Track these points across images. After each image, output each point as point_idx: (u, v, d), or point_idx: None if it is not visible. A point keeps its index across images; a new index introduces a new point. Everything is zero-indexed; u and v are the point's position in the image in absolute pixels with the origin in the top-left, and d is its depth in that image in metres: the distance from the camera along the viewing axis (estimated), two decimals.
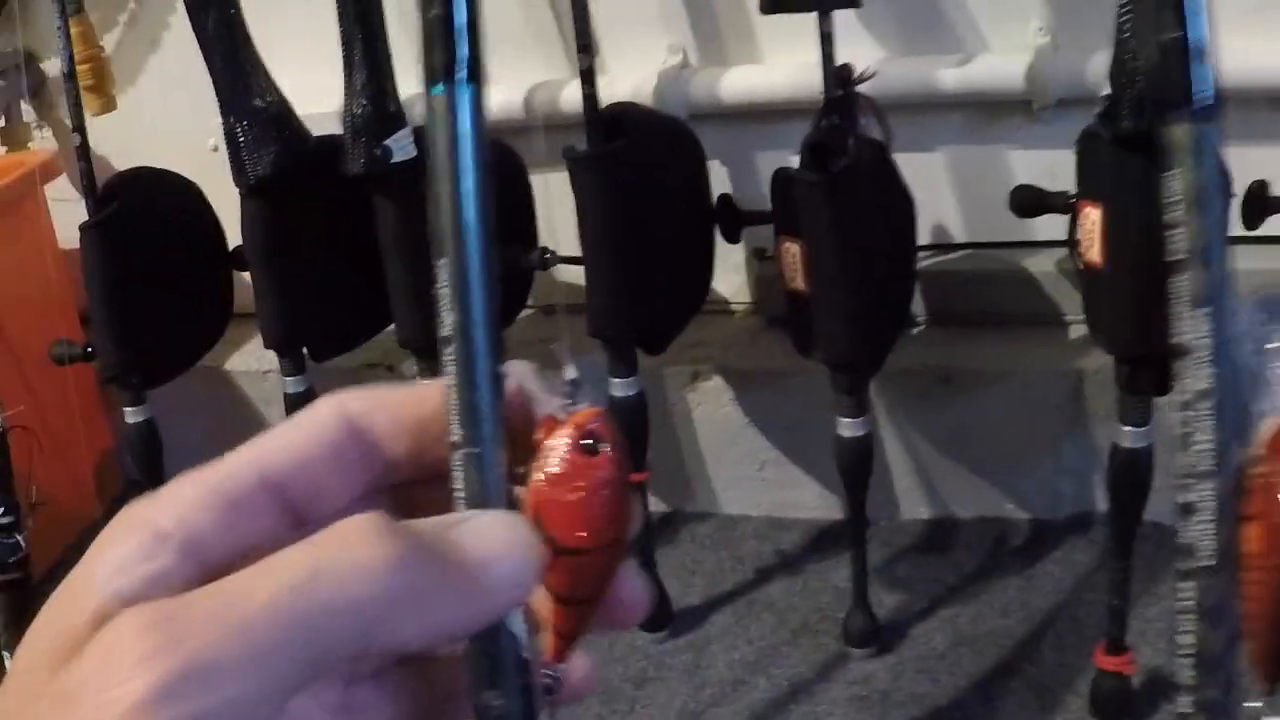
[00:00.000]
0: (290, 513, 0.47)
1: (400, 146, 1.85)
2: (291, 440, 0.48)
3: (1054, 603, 2.14)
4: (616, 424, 0.49)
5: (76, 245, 2.08)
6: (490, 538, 0.43)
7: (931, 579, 2.23)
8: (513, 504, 0.48)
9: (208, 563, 0.42)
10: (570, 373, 0.50)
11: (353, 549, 0.39)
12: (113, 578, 0.40)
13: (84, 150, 2.02)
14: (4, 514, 1.81)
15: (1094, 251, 1.68)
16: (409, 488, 0.52)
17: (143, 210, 2.09)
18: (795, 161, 1.88)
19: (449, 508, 0.48)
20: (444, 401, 0.48)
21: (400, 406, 0.50)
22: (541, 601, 0.50)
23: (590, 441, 0.48)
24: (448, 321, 0.47)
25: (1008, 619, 2.12)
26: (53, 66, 2.51)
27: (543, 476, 0.48)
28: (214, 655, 0.36)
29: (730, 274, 2.43)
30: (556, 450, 0.48)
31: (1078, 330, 2.25)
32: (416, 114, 1.99)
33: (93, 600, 0.39)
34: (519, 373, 0.50)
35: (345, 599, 0.38)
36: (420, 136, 1.87)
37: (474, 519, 0.44)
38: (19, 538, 1.81)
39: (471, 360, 0.48)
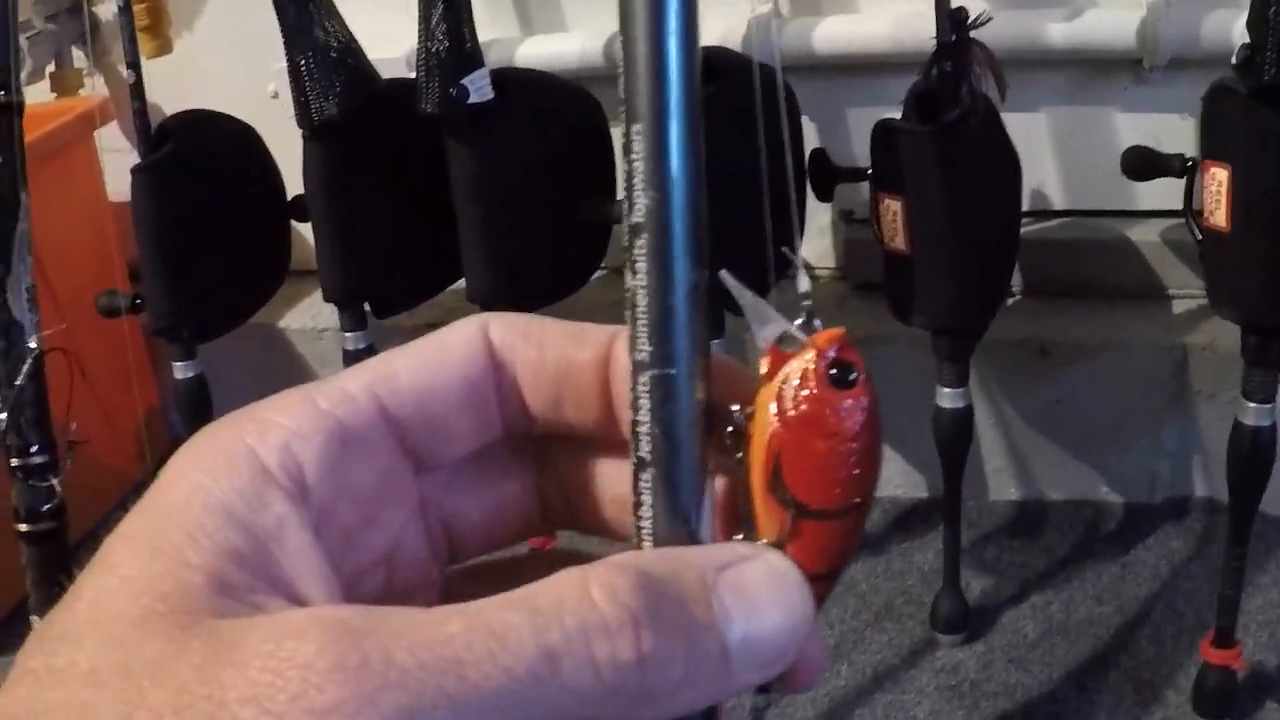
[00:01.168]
0: (409, 455, 0.40)
1: (477, 87, 1.75)
2: (422, 367, 0.40)
3: (1150, 591, 2.04)
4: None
5: (127, 198, 1.98)
6: (757, 604, 0.36)
7: (1021, 563, 2.13)
8: (707, 445, 0.38)
9: (312, 505, 0.38)
10: (804, 283, 0.39)
11: (596, 633, 0.34)
12: (219, 524, 0.35)
13: (138, 89, 1.93)
14: (38, 452, 1.61)
15: (1219, 215, 1.58)
16: (546, 443, 0.43)
17: (198, 154, 1.99)
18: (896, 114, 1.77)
19: (588, 472, 0.42)
20: (605, 348, 0.40)
21: (552, 344, 0.41)
22: None
23: (841, 370, 0.37)
24: (640, 204, 0.37)
25: (1103, 607, 2.02)
26: (106, 10, 2.42)
27: (780, 417, 0.37)
28: None
29: (816, 237, 2.32)
30: (799, 383, 0.37)
31: (1182, 304, 2.15)
32: (493, 57, 1.90)
33: (198, 550, 0.35)
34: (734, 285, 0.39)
35: (577, 693, 0.33)
36: (497, 79, 1.77)
37: (738, 570, 0.37)
38: (54, 481, 1.64)
39: (668, 254, 0.37)
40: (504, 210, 1.81)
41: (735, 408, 0.39)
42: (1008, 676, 1.91)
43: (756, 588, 0.37)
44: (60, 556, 1.64)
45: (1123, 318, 2.14)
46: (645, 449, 0.38)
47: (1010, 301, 2.22)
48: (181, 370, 2.05)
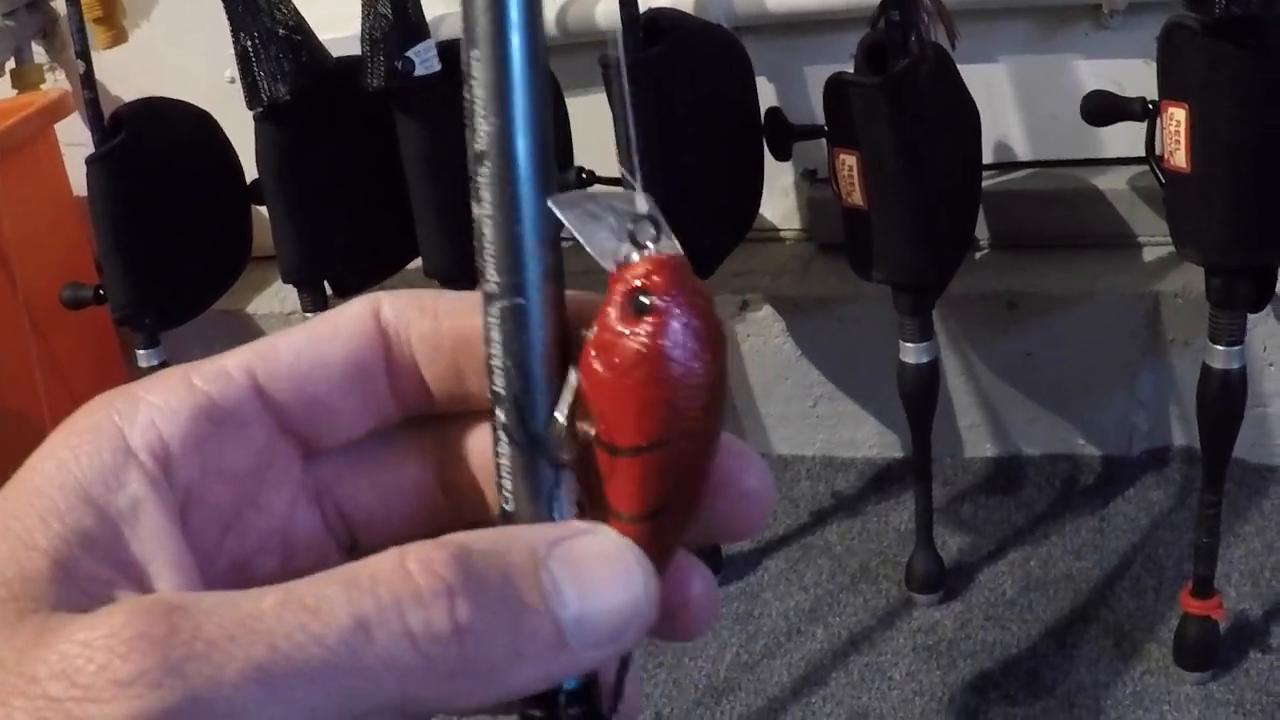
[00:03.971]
0: (291, 436, 0.39)
1: (423, 60, 1.73)
2: (304, 346, 0.39)
3: (1130, 544, 2.02)
4: (690, 271, 0.35)
5: None
6: (590, 580, 0.35)
7: (998, 520, 2.11)
8: (561, 380, 0.36)
9: (178, 484, 0.37)
10: (640, 204, 0.36)
11: (409, 603, 0.33)
12: (73, 505, 0.35)
13: (89, 78, 1.91)
14: None
15: (1179, 156, 1.56)
16: (445, 424, 0.41)
17: (153, 141, 1.97)
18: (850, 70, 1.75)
19: (490, 460, 0.38)
20: None
21: (448, 314, 0.39)
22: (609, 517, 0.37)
23: (640, 299, 0.34)
24: (481, 131, 0.35)
25: (1081, 562, 2.00)
26: (62, 6, 2.41)
27: (583, 346, 0.35)
28: (224, 696, 0.31)
29: (779, 198, 2.30)
30: (606, 313, 0.35)
31: (1152, 252, 2.13)
32: (442, 31, 1.88)
33: (47, 534, 0.34)
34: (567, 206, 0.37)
35: (395, 665, 0.32)
36: (445, 52, 1.75)
37: (569, 547, 0.35)
38: None
39: (513, 181, 0.36)
40: (455, 183, 1.79)
41: (586, 334, 0.37)
42: (986, 635, 1.90)
43: (591, 561, 0.35)
44: None
45: (1092, 268, 2.12)
46: (499, 384, 0.37)
47: (977, 255, 2.20)
48: (146, 358, 2.04)
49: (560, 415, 0.37)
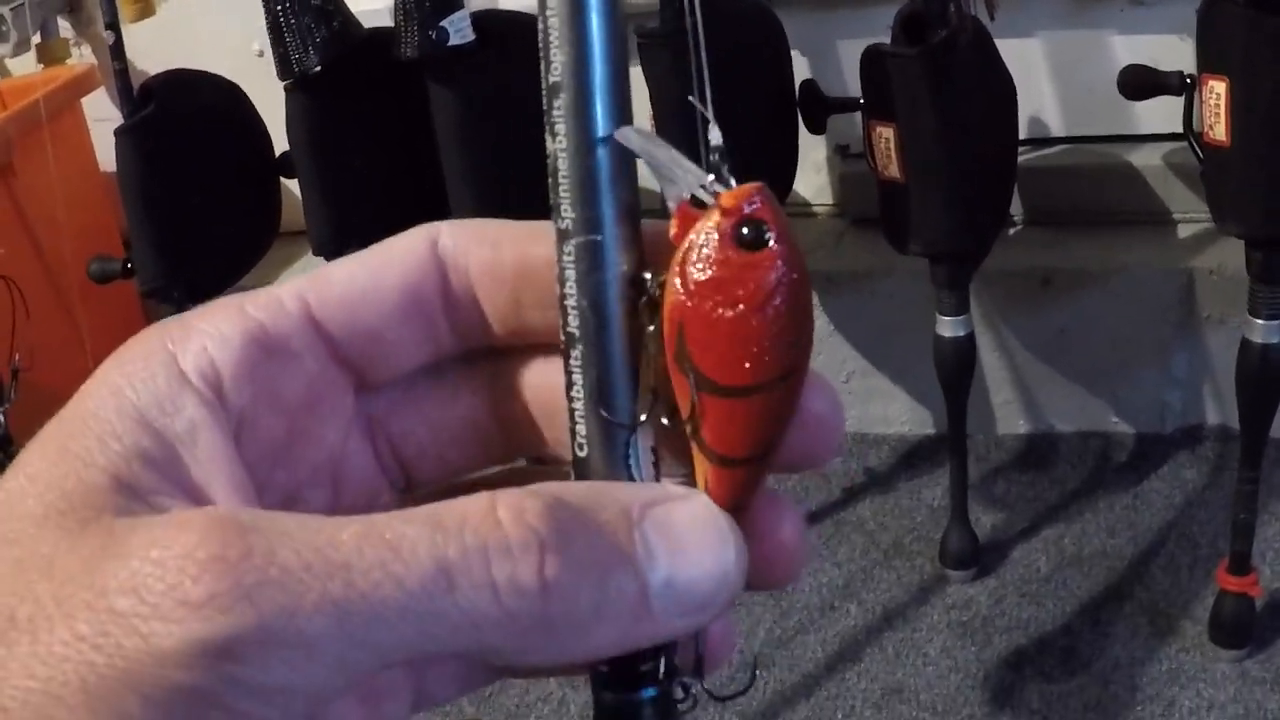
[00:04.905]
0: (344, 367, 0.37)
1: (457, 29, 1.72)
2: (359, 275, 0.37)
3: (1164, 521, 2.01)
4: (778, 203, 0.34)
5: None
6: (682, 547, 0.34)
7: (1032, 497, 2.11)
8: (638, 321, 0.35)
9: (230, 411, 0.36)
10: (715, 136, 0.35)
11: (496, 553, 0.32)
12: (129, 428, 0.34)
13: (118, 49, 1.90)
14: None
15: (1219, 129, 1.55)
16: (501, 358, 0.40)
17: (182, 113, 1.96)
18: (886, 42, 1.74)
19: (553, 387, 0.37)
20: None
21: (509, 243, 0.38)
22: (697, 463, 0.36)
23: (751, 230, 0.33)
24: (557, 62, 0.34)
25: (1115, 539, 2.00)
26: None
27: (684, 285, 0.33)
28: (295, 628, 0.30)
29: (811, 174, 2.28)
30: (703, 246, 0.33)
31: (1187, 229, 2.11)
32: (474, 2, 1.87)
33: (106, 453, 0.33)
34: (642, 138, 0.36)
35: (473, 616, 0.31)
36: (478, 21, 1.74)
37: (664, 511, 0.34)
38: None
39: (589, 114, 0.34)
40: (488, 153, 1.79)
41: (648, 275, 0.35)
42: (1020, 611, 1.89)
43: (685, 529, 0.34)
44: None
45: (1126, 244, 2.11)
46: (573, 323, 0.36)
47: (1011, 231, 2.18)
48: None
49: (649, 369, 0.36)
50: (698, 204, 0.34)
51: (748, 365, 0.33)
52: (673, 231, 0.34)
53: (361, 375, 0.39)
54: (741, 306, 0.33)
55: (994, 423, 2.23)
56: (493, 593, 0.31)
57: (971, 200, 1.74)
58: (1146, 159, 2.11)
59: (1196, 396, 2.15)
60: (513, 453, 0.43)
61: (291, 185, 2.01)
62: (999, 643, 1.84)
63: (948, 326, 1.80)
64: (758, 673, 1.85)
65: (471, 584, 0.31)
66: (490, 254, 0.38)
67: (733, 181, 0.34)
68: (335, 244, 1.95)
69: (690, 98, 0.37)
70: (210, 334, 0.36)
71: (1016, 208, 2.16)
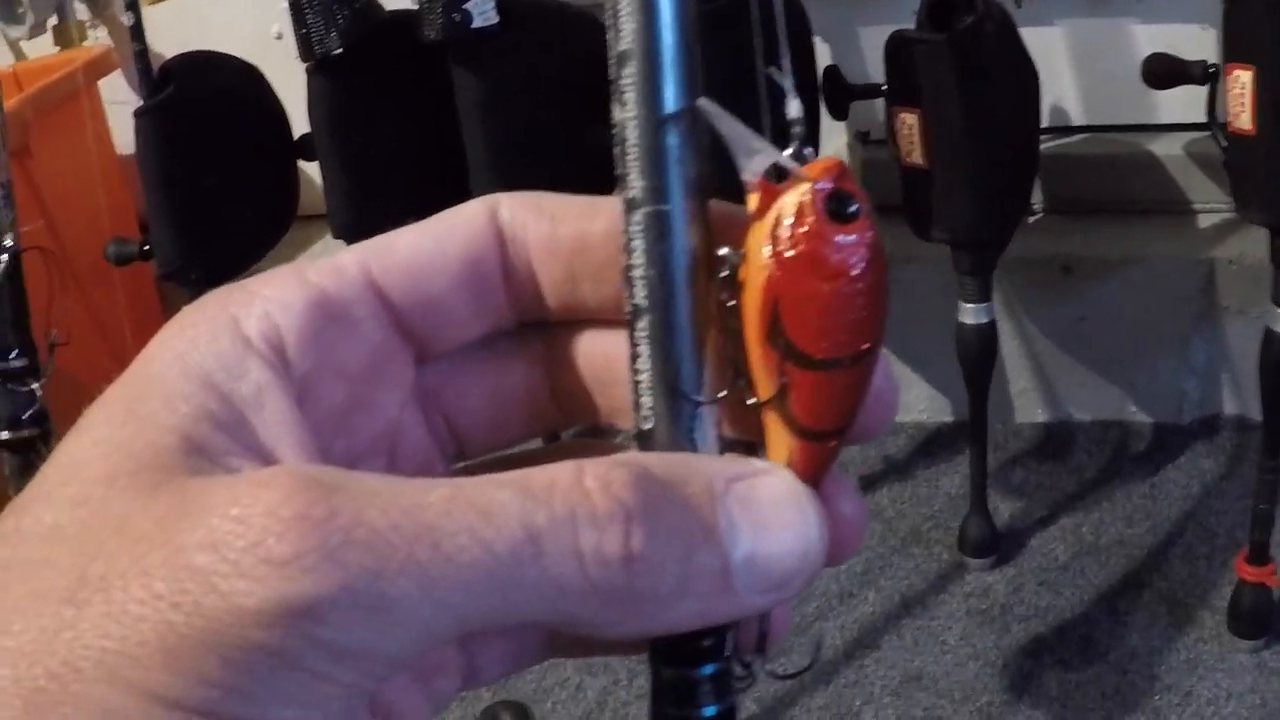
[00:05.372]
0: (406, 336, 0.37)
1: (480, 12, 1.72)
2: (422, 243, 0.38)
3: (1182, 511, 2.02)
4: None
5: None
6: (765, 523, 0.34)
7: (1050, 486, 2.11)
8: (716, 297, 0.35)
9: (294, 377, 0.36)
10: (795, 108, 0.35)
11: (584, 522, 0.31)
12: (195, 390, 0.34)
13: (137, 30, 1.89)
14: (17, 355, 1.58)
15: (1244, 118, 1.55)
16: (557, 330, 0.40)
17: (201, 94, 1.96)
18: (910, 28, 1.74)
19: (607, 359, 0.38)
20: (619, 217, 0.35)
21: (565, 218, 0.38)
22: (777, 437, 0.35)
23: (840, 203, 0.33)
24: (627, 31, 0.34)
25: (1133, 528, 2.00)
26: None
27: (777, 259, 0.33)
28: (379, 591, 0.30)
29: None
30: (794, 219, 0.33)
31: (1208, 219, 2.12)
32: None
33: (174, 414, 0.33)
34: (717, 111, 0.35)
35: (558, 584, 0.31)
36: (502, 4, 1.74)
37: (747, 486, 0.34)
38: (34, 386, 1.60)
39: (658, 82, 0.34)
40: (511, 137, 1.78)
41: (724, 251, 0.35)
42: (1038, 599, 1.89)
43: (769, 505, 0.34)
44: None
45: (1147, 233, 2.11)
46: (640, 294, 0.35)
47: (1032, 219, 2.18)
48: None
49: (728, 347, 0.36)
50: (778, 177, 0.34)
51: (844, 337, 0.34)
52: (752, 205, 0.34)
53: (422, 345, 0.39)
54: (838, 280, 0.33)
55: (1012, 411, 2.23)
56: (578, 562, 0.31)
57: (995, 187, 1.74)
58: (1167, 148, 2.11)
59: (1215, 387, 2.15)
60: (566, 423, 0.43)
61: (309, 168, 2.01)
62: (1017, 631, 1.84)
63: (970, 314, 1.79)
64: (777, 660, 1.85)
65: (559, 552, 0.31)
66: (547, 227, 0.38)
67: (811, 154, 0.34)
68: (356, 227, 1.94)
69: (771, 68, 0.37)
70: (273, 299, 0.36)
71: (1037, 196, 2.17)
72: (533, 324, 0.41)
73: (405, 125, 1.92)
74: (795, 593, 0.35)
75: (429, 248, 0.38)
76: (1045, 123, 2.07)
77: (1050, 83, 2.05)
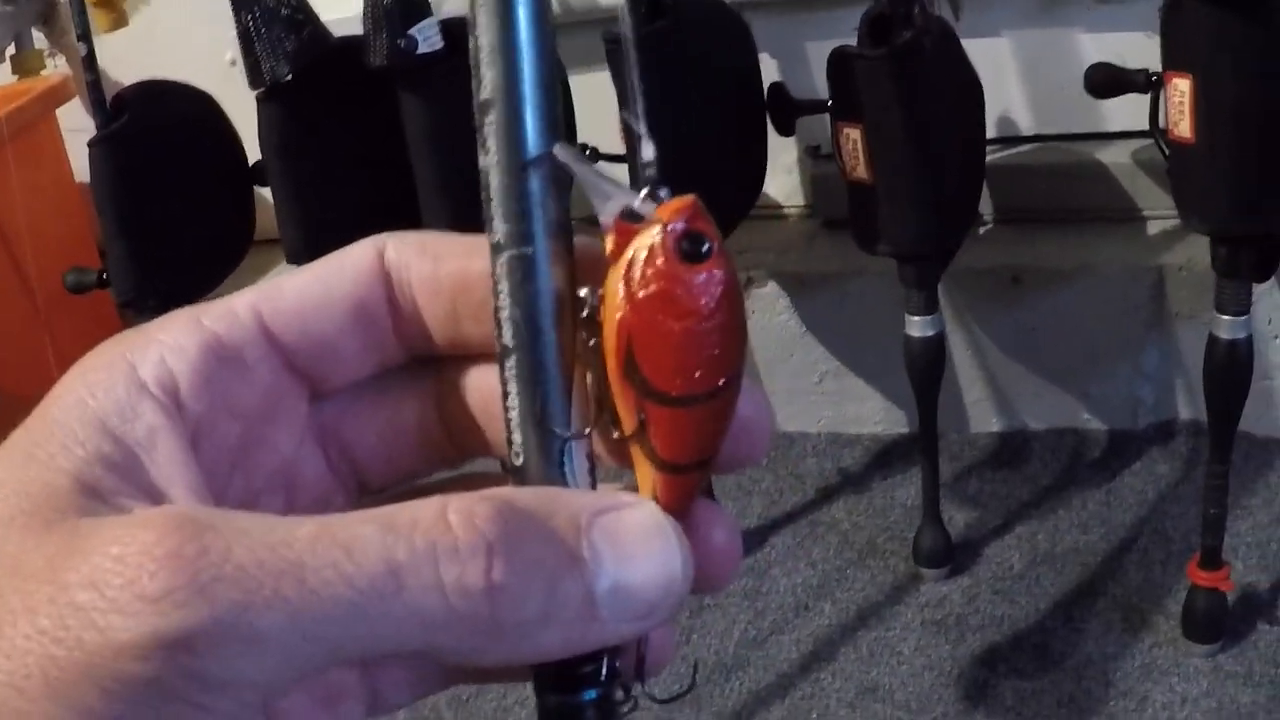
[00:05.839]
0: (297, 375, 0.39)
1: (425, 37, 1.73)
2: (310, 286, 0.39)
3: (1137, 517, 2.02)
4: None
5: None
6: (629, 554, 0.35)
7: (1005, 495, 2.12)
8: (578, 335, 0.36)
9: (188, 419, 0.37)
10: (649, 151, 0.36)
11: (444, 554, 0.33)
12: (91, 434, 0.35)
13: (90, 61, 1.90)
14: None
15: (1183, 126, 1.56)
16: (446, 364, 0.41)
17: (155, 123, 1.96)
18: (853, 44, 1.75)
19: (492, 393, 0.38)
20: None
21: (447, 256, 0.39)
22: (642, 470, 0.37)
23: (692, 243, 0.34)
24: (487, 80, 0.35)
25: (1088, 535, 2.00)
26: None
27: (629, 299, 0.33)
28: (248, 623, 0.31)
29: (782, 175, 2.30)
30: (646, 260, 0.33)
31: (1157, 225, 2.12)
32: (444, 10, 1.87)
33: (69, 458, 0.34)
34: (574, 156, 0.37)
35: (422, 615, 0.32)
36: (447, 29, 1.75)
37: (612, 519, 0.35)
38: None
39: (519, 129, 0.35)
40: (458, 160, 1.78)
41: (583, 292, 0.36)
42: (994, 609, 1.90)
43: (633, 536, 0.35)
44: None
45: (1096, 241, 2.12)
46: (508, 334, 0.36)
47: (981, 230, 2.19)
48: None
49: (588, 383, 0.37)
50: (632, 219, 0.35)
51: (698, 375, 0.34)
52: (609, 247, 0.35)
53: (314, 383, 0.41)
54: (689, 318, 0.34)
55: (967, 421, 2.24)
56: (440, 594, 0.32)
57: (939, 201, 1.75)
58: (1115, 156, 2.12)
59: (1168, 392, 2.15)
60: (460, 457, 0.44)
61: (266, 193, 2.01)
62: (972, 640, 1.85)
63: (917, 326, 1.80)
64: (733, 674, 1.86)
65: (420, 585, 0.32)
66: (430, 267, 0.40)
67: (665, 195, 0.35)
68: (308, 252, 1.95)
69: (623, 113, 0.38)
70: (168, 344, 0.37)
71: (986, 206, 2.17)
72: (425, 359, 0.42)
73: (355, 150, 1.93)
74: (660, 620, 0.35)
75: (317, 290, 0.39)
76: (992, 133, 2.08)
77: (997, 93, 2.06)
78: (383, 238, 0.40)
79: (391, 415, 0.43)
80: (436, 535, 0.32)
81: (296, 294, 0.39)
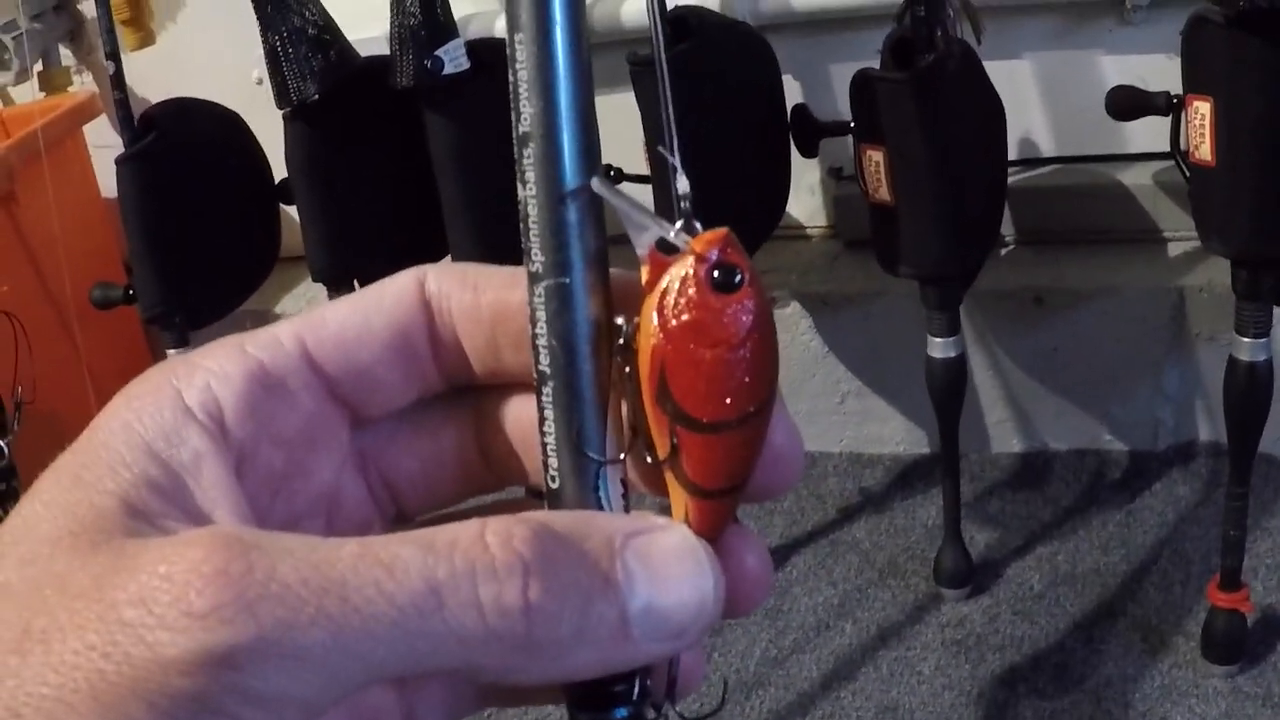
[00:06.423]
0: (339, 403, 0.40)
1: (451, 58, 1.74)
2: (352, 316, 0.40)
3: (1157, 538, 2.02)
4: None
5: None
6: (661, 576, 0.36)
7: (1026, 515, 2.11)
8: (614, 362, 0.37)
9: (232, 445, 0.38)
10: (683, 184, 0.37)
11: (483, 575, 0.34)
12: (138, 458, 0.36)
13: (119, 79, 1.92)
14: None
15: (1204, 149, 1.56)
16: (486, 394, 0.42)
17: (182, 141, 1.98)
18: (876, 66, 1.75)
19: (531, 427, 0.39)
20: None
21: (488, 288, 0.40)
22: (675, 494, 0.38)
23: (724, 274, 0.35)
24: (526, 114, 0.36)
25: (1108, 556, 2.00)
26: (90, 8, 2.43)
27: (663, 328, 0.35)
28: (292, 640, 0.32)
29: (805, 196, 2.30)
30: (679, 289, 0.35)
31: (1178, 247, 2.12)
32: (470, 30, 1.89)
33: (116, 480, 0.35)
34: (611, 190, 0.38)
35: (461, 634, 0.33)
36: (473, 50, 1.76)
37: (645, 541, 0.36)
38: (2, 444, 1.65)
39: (557, 162, 0.36)
40: (485, 180, 1.80)
41: (620, 320, 0.38)
42: (1014, 629, 1.90)
43: (665, 558, 0.36)
44: None
45: (1117, 263, 2.11)
46: (544, 362, 0.37)
47: (1003, 251, 2.20)
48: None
49: (625, 409, 0.38)
50: (667, 250, 0.36)
51: (728, 401, 0.36)
52: (644, 278, 0.36)
53: (355, 411, 0.42)
54: (720, 347, 0.35)
55: (988, 441, 2.24)
56: (478, 613, 0.33)
57: (960, 223, 1.75)
58: (1136, 178, 2.12)
59: (1189, 413, 2.15)
60: (497, 485, 0.45)
61: (292, 211, 2.03)
62: (993, 660, 1.85)
63: (938, 348, 1.81)
64: (754, 692, 1.86)
65: (459, 603, 0.33)
66: (470, 297, 0.41)
67: (699, 227, 0.36)
68: (334, 270, 1.97)
69: (660, 148, 0.39)
70: (213, 371, 0.38)
71: (1008, 228, 2.18)
72: (465, 388, 0.43)
73: (382, 170, 1.94)
74: (691, 641, 0.37)
75: (358, 321, 0.40)
76: (1014, 154, 2.08)
77: (1018, 115, 2.06)
78: (424, 269, 0.41)
79: (431, 444, 0.44)
80: (475, 555, 0.33)
81: (339, 324, 0.40)
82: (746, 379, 0.35)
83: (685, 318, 0.35)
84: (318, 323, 0.40)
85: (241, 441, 0.38)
